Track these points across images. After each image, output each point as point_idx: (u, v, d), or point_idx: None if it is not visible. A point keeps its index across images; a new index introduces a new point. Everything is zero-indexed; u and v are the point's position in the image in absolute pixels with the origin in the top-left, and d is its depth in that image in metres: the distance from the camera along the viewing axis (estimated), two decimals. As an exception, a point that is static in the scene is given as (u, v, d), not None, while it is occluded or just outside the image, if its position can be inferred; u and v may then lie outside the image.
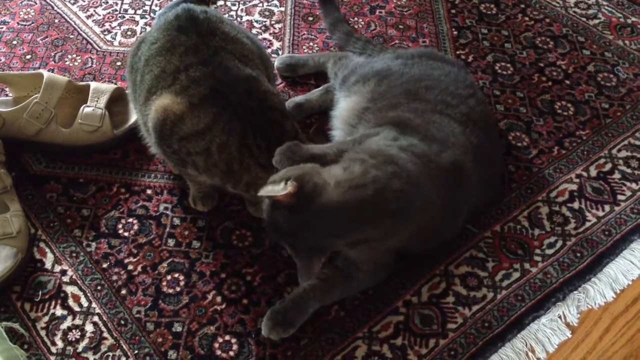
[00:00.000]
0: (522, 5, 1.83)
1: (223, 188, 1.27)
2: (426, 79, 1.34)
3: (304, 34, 1.75)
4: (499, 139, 1.47)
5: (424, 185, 1.11)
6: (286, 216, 1.04)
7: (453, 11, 1.81)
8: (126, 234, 1.35)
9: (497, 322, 1.22)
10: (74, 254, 1.31)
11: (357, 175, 1.05)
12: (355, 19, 1.79)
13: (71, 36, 1.74)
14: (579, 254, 1.31)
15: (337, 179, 1.04)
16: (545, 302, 1.25)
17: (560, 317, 1.24)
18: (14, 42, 1.71)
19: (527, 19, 1.79)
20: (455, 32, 1.76)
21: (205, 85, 1.18)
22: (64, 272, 1.29)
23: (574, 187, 1.42)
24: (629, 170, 1.45)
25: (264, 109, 1.19)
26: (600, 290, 1.27)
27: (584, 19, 1.79)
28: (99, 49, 1.71)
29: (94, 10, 1.81)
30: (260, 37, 1.73)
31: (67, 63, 1.67)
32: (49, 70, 1.61)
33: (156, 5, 1.82)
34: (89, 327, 1.22)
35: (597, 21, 1.78)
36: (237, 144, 1.16)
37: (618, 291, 1.28)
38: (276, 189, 1.00)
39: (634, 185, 1.42)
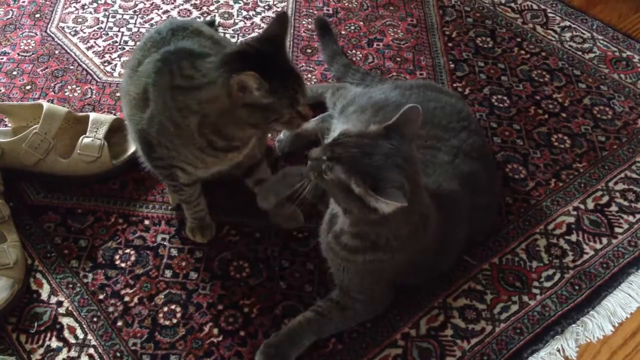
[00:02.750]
0: (518, 39, 1.85)
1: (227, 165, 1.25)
2: None
3: (302, 66, 1.76)
4: (495, 170, 1.47)
5: None
6: None
7: (450, 44, 1.83)
8: (123, 264, 1.34)
9: (496, 356, 1.22)
10: (71, 285, 1.31)
11: None
12: (353, 51, 1.81)
13: (71, 67, 1.75)
14: (577, 287, 1.31)
15: None
16: (543, 335, 1.25)
17: (559, 350, 1.23)
18: (14, 73, 1.73)
19: (523, 52, 1.81)
20: (452, 65, 1.77)
21: (155, 64, 1.15)
22: (60, 304, 1.28)
23: (572, 219, 1.42)
24: (626, 203, 1.45)
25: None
26: (598, 323, 1.27)
27: (579, 53, 1.81)
28: (98, 80, 1.72)
29: (94, 42, 1.83)
30: (259, 68, 1.74)
31: (66, 94, 1.68)
32: (48, 101, 1.62)
33: (156, 37, 1.84)
34: (85, 360, 1.21)
35: (592, 55, 1.80)
36: (169, 95, 1.12)
37: (617, 324, 1.27)
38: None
39: (631, 218, 1.42)
